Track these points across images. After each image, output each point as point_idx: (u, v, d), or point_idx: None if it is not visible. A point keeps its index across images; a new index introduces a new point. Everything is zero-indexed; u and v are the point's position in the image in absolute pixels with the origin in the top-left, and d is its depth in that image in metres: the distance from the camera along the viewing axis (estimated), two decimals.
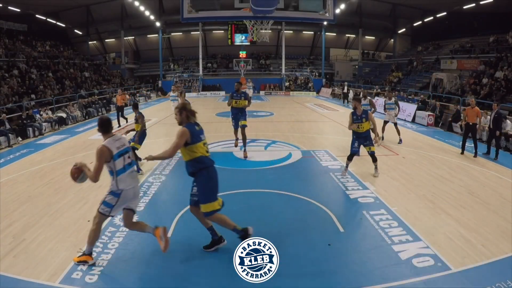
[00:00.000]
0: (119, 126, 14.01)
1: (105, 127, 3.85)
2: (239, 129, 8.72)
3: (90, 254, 4.00)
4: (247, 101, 8.56)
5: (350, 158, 7.23)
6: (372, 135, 7.35)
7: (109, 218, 4.13)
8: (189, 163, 3.88)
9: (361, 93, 10.30)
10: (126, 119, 14.75)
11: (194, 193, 4.12)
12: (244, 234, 4.03)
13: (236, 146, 9.11)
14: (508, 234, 4.71)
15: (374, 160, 7.20)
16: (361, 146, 7.15)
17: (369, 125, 7.05)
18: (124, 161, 3.81)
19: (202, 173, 3.90)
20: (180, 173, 7.58)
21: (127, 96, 15.45)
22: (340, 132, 12.58)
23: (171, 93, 15.27)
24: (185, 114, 3.91)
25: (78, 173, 3.77)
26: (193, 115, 3.96)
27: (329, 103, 24.29)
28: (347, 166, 7.33)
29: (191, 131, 3.79)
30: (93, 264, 3.97)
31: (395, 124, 10.80)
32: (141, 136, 7.60)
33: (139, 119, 7.67)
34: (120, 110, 14.58)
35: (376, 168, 7.28)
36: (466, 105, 11.40)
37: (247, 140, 8.88)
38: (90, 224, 5.02)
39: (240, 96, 8.52)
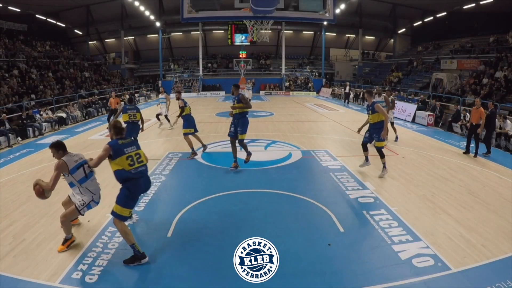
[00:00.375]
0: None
1: (62, 148, 4.39)
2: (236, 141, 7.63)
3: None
4: (241, 104, 7.40)
5: (364, 149, 7.44)
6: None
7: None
8: (114, 173, 4.14)
9: (375, 90, 10.51)
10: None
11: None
12: (138, 257, 4.01)
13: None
14: (508, 234, 4.71)
15: (381, 156, 7.23)
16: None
17: (378, 117, 7.10)
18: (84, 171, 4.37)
19: (126, 184, 4.14)
20: (180, 173, 7.60)
21: (120, 101, 14.72)
22: (340, 132, 12.58)
23: (160, 95, 14.87)
24: (113, 131, 4.29)
25: (44, 192, 4.17)
26: (120, 133, 4.27)
27: (329, 103, 24.29)
28: (366, 158, 7.48)
29: (112, 147, 4.06)
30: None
31: (392, 123, 10.81)
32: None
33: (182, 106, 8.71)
34: (113, 113, 13.56)
35: (384, 167, 7.23)
36: (467, 105, 11.43)
37: (246, 140, 8.11)
38: (91, 223, 5.05)
39: (234, 99, 7.54)
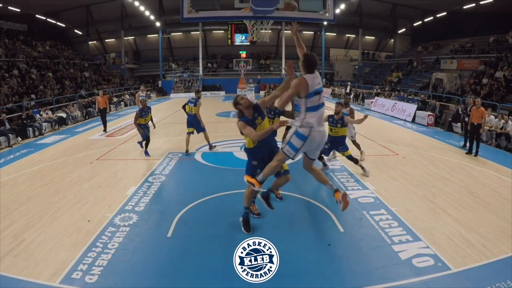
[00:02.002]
0: (105, 131, 12.87)
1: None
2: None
3: (261, 182, 4.33)
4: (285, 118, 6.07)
5: (319, 158, 7.34)
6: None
7: None
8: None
9: (344, 101, 8.86)
10: (105, 126, 13.09)
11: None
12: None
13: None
14: (508, 234, 4.71)
15: (355, 162, 7.28)
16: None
17: (345, 131, 7.27)
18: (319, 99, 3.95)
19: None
20: (180, 173, 7.60)
21: (107, 100, 13.48)
22: None
23: (140, 93, 13.96)
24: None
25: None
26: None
27: (329, 103, 24.25)
28: (324, 164, 7.54)
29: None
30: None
31: (353, 141, 8.34)
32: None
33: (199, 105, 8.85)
34: (101, 114, 13.01)
35: (362, 168, 7.28)
36: (467, 105, 11.41)
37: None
38: (90, 223, 5.04)
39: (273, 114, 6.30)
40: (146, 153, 9.01)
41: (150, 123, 9.20)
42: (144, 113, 8.88)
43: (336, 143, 7.26)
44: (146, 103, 9.15)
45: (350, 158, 7.29)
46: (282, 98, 4.04)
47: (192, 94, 33.28)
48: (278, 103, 4.14)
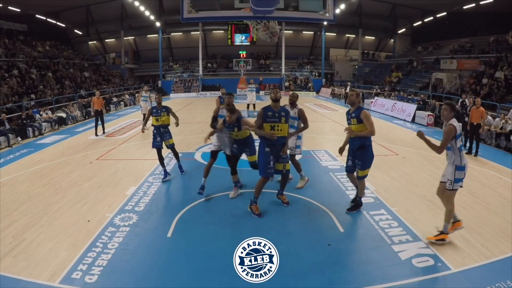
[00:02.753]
0: (96, 135, 12.24)
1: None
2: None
3: (447, 232, 4.42)
4: (242, 131, 5.68)
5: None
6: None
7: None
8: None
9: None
10: (104, 127, 12.67)
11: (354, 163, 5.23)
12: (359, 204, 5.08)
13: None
14: (508, 234, 4.71)
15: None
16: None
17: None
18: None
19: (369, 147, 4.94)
20: (180, 173, 7.58)
21: (103, 100, 12.91)
22: (340, 132, 12.53)
23: (143, 93, 14.07)
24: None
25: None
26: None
27: (329, 103, 24.28)
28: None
29: None
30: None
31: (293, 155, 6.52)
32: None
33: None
34: (99, 115, 12.34)
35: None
36: (466, 105, 11.40)
37: None
38: (90, 223, 5.05)
39: (231, 127, 5.69)
40: (166, 174, 7.12)
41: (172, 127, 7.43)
42: (155, 110, 7.07)
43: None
44: (161, 100, 7.33)
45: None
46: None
47: (193, 94, 33.10)
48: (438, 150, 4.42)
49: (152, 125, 7.13)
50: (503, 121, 10.74)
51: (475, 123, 9.11)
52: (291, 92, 6.78)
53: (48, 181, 7.15)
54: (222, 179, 7.07)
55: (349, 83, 26.23)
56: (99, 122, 12.46)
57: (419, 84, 23.45)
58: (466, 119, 9.89)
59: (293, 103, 6.26)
